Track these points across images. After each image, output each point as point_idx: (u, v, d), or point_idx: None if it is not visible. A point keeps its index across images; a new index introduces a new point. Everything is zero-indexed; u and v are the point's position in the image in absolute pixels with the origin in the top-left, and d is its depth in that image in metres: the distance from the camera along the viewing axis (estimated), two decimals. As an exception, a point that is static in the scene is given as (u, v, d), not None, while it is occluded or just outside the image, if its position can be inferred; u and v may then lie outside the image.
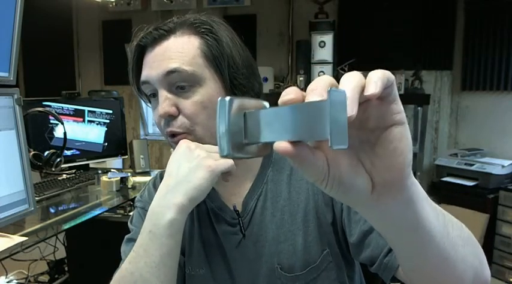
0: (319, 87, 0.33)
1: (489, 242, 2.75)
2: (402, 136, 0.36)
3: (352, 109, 0.31)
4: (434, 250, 0.45)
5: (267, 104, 0.41)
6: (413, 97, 3.17)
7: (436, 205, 0.46)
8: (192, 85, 0.67)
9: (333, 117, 0.30)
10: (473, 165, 2.87)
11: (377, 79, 0.33)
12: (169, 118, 0.68)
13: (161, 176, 0.69)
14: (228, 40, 0.70)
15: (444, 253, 0.46)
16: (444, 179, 2.98)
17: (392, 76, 0.35)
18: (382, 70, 0.35)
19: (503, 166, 2.78)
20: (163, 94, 0.67)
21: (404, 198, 0.39)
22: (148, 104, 0.76)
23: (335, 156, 0.36)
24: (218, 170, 0.62)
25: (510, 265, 2.69)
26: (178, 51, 0.67)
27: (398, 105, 0.36)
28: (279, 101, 0.35)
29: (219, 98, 0.38)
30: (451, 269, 0.48)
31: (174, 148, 0.70)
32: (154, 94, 0.70)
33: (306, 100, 0.33)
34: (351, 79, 0.33)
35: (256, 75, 0.74)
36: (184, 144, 0.66)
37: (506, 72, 2.97)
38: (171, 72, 0.66)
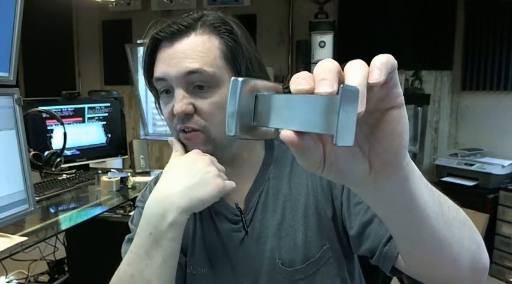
0: (329, 77, 0.32)
1: (489, 242, 2.75)
2: (400, 117, 0.37)
3: (362, 106, 0.31)
4: (428, 230, 0.46)
5: (281, 87, 0.41)
6: (413, 97, 3.17)
7: (432, 186, 0.47)
8: (210, 86, 0.67)
9: (343, 114, 0.30)
10: (473, 165, 2.87)
11: (380, 65, 0.33)
12: (185, 116, 0.67)
13: None
14: (246, 42, 0.70)
15: (439, 233, 0.46)
16: (444, 179, 2.99)
17: (395, 61, 0.35)
18: (386, 55, 0.34)
19: (503, 166, 2.78)
20: (180, 92, 0.67)
21: (400, 177, 0.40)
22: (156, 100, 0.75)
23: (332, 143, 0.37)
24: (225, 190, 0.65)
25: (510, 265, 2.69)
26: (200, 50, 0.66)
27: (399, 88, 0.37)
28: (292, 88, 0.34)
29: (232, 78, 0.38)
30: (447, 252, 0.48)
31: (184, 144, 0.69)
32: (167, 91, 0.70)
33: (316, 91, 0.32)
34: (358, 72, 0.33)
35: (268, 77, 0.75)
36: (198, 153, 0.67)
37: (506, 72, 2.97)
38: (192, 72, 0.65)
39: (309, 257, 0.72)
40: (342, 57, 3.34)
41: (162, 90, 0.71)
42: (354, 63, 0.34)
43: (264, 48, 3.62)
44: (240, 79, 0.38)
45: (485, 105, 3.15)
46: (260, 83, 0.39)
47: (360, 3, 3.40)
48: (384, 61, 0.34)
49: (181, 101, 0.66)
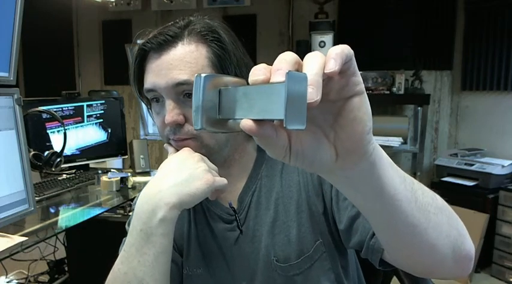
0: (284, 67, 0.34)
1: (489, 242, 2.75)
2: (361, 105, 0.38)
3: (316, 94, 0.32)
4: (401, 216, 0.46)
5: (245, 82, 0.42)
6: (413, 97, 3.17)
7: (404, 173, 0.48)
8: None
9: (290, 99, 0.31)
10: (473, 165, 2.87)
11: (335, 56, 0.34)
12: (176, 126, 0.68)
13: None
14: (234, 48, 0.70)
15: (413, 219, 0.47)
16: (444, 179, 2.99)
17: (351, 51, 0.36)
18: (341, 45, 0.36)
19: (503, 166, 2.78)
20: (171, 103, 0.67)
21: (367, 163, 0.41)
22: (148, 106, 0.76)
23: (297, 132, 0.38)
24: (214, 185, 0.64)
25: (510, 265, 2.68)
26: (188, 61, 0.66)
27: (358, 77, 0.38)
28: (249, 80, 0.36)
29: (196, 74, 0.41)
30: (423, 237, 0.49)
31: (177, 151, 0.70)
32: (158, 100, 0.70)
33: (270, 80, 0.34)
34: (314, 63, 0.34)
35: None
36: (188, 151, 0.68)
37: (506, 72, 2.97)
38: (180, 83, 0.66)
39: (303, 252, 0.73)
40: (342, 57, 3.34)
41: (152, 99, 0.71)
42: (311, 54, 0.36)
43: (264, 48, 3.63)
44: (203, 75, 0.40)
45: (485, 105, 3.15)
46: (225, 78, 0.42)
47: (360, 3, 3.40)
48: (338, 51, 0.35)
49: (171, 112, 0.67)
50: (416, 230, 0.48)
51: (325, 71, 0.34)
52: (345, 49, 0.35)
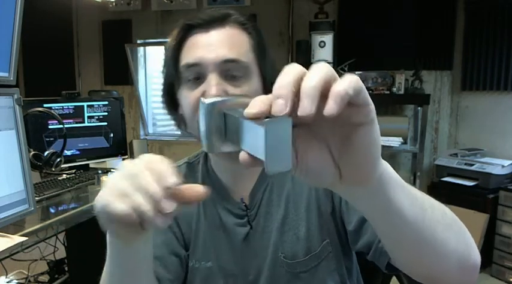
0: (284, 95, 0.33)
1: (489, 242, 2.75)
2: (371, 134, 0.37)
3: (310, 108, 0.32)
4: (406, 232, 0.46)
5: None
6: (413, 97, 3.17)
7: (417, 191, 0.48)
8: (243, 77, 0.70)
9: (270, 145, 0.31)
10: (473, 165, 2.87)
11: (336, 97, 0.32)
12: None
13: None
14: (266, 43, 0.74)
15: (419, 235, 0.47)
16: (444, 179, 2.99)
17: (357, 85, 0.33)
18: (348, 80, 0.33)
19: (503, 166, 2.78)
20: (216, 77, 0.68)
21: (372, 187, 0.40)
22: (163, 92, 0.77)
23: (305, 147, 0.38)
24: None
25: (510, 265, 2.68)
26: (235, 41, 0.69)
27: (370, 106, 0.36)
28: (244, 112, 0.35)
29: (200, 99, 0.40)
30: (428, 252, 0.49)
31: None
32: (197, 78, 0.69)
33: (272, 109, 0.33)
34: (316, 75, 0.33)
35: None
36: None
37: (506, 72, 2.97)
38: (230, 61, 0.68)
39: (310, 250, 0.74)
40: (342, 57, 3.35)
41: (192, 77, 0.70)
42: (317, 67, 0.34)
43: (264, 48, 3.62)
44: (207, 101, 0.40)
45: (485, 105, 3.15)
46: (228, 101, 0.41)
47: (359, 3, 3.40)
48: (340, 90, 0.32)
49: (216, 86, 0.67)
50: (422, 245, 0.48)
51: (324, 113, 0.32)
52: (349, 87, 0.33)
